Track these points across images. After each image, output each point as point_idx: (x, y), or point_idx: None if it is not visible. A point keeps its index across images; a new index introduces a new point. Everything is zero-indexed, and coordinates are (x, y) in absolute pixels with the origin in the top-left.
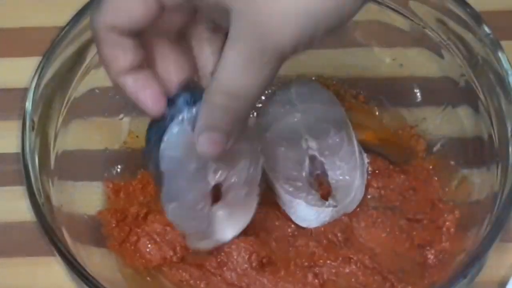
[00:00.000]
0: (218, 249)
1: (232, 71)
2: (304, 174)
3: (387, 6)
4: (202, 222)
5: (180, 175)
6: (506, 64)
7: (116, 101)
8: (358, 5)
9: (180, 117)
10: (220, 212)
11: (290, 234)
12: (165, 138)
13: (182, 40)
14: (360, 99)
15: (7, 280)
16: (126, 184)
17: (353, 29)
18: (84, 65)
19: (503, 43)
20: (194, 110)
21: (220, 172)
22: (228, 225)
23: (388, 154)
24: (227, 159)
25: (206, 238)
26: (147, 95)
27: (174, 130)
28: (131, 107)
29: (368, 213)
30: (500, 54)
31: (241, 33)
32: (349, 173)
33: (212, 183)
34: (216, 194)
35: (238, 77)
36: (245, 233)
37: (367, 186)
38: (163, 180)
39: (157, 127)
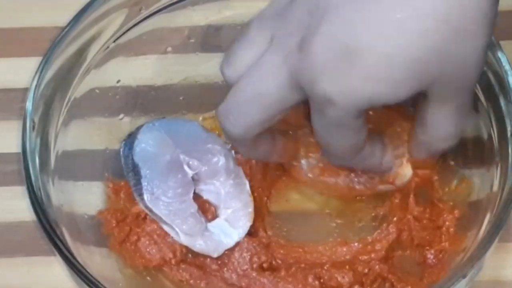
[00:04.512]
0: None
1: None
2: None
3: None
4: (187, 207)
5: (156, 165)
6: (505, 64)
7: (116, 101)
8: None
9: (151, 123)
10: (220, 223)
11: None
12: (138, 136)
13: None
14: None
15: (7, 280)
16: (126, 184)
17: None
18: (85, 65)
19: (503, 43)
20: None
21: (191, 162)
22: (230, 232)
23: None
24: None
25: (204, 240)
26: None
27: (146, 130)
28: (131, 107)
29: None
30: (500, 54)
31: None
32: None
33: (190, 172)
34: (212, 213)
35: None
36: (249, 233)
37: None
38: (139, 172)
39: (130, 140)
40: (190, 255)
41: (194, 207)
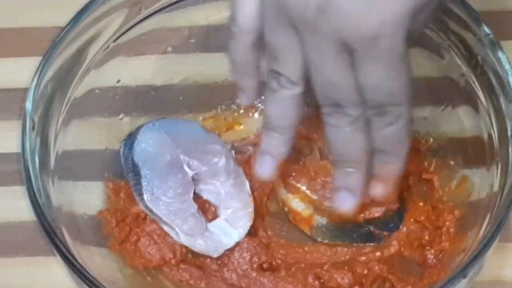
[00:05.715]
0: None
1: None
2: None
3: None
4: (187, 207)
5: (156, 165)
6: (506, 64)
7: (116, 101)
8: None
9: (151, 123)
10: (220, 223)
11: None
12: (138, 136)
13: None
14: None
15: (7, 280)
16: (126, 184)
17: None
18: (84, 65)
19: (503, 43)
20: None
21: (191, 162)
22: (230, 232)
23: None
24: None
25: (205, 240)
26: None
27: (146, 130)
28: (131, 107)
29: None
30: (500, 54)
31: None
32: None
33: (190, 172)
34: (213, 213)
35: None
36: (249, 233)
37: None
38: (139, 172)
39: (130, 140)
40: (190, 255)
41: (194, 207)
